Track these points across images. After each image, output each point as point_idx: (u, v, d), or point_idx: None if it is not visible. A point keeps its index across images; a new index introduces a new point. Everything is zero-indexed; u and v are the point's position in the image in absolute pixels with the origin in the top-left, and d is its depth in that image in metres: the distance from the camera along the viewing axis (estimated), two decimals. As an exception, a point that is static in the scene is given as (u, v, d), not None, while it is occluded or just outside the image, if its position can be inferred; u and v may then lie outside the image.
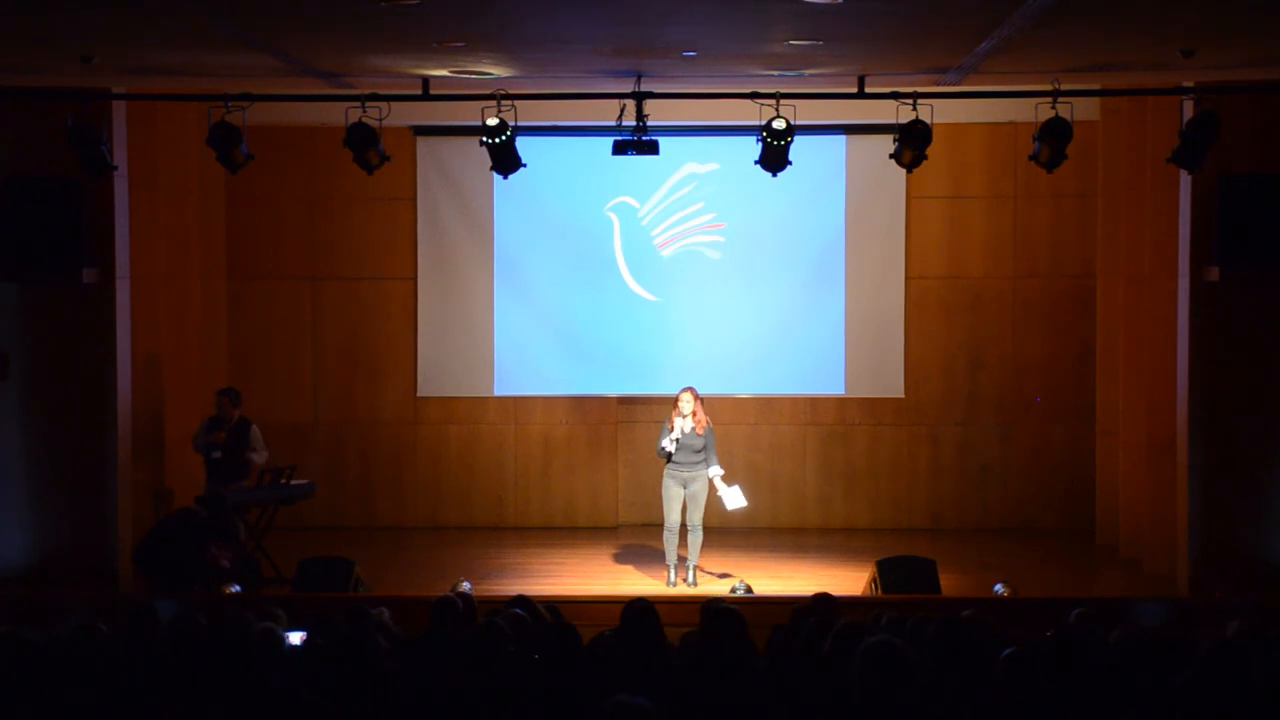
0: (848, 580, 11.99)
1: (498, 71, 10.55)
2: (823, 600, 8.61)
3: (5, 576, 11.57)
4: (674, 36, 9.37)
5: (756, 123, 10.77)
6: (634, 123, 10.90)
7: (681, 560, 12.05)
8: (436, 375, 14.83)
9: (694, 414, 11.73)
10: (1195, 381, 11.47)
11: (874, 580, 11.33)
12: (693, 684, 5.74)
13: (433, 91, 11.02)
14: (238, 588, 11.34)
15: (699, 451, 11.79)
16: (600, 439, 14.87)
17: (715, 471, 11.85)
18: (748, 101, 10.78)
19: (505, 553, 13.57)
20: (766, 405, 14.81)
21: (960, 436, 14.77)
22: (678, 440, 11.70)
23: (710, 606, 7.21)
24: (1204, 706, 5.29)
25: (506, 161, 10.96)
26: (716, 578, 12.15)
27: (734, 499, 11.92)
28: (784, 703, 5.51)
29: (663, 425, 11.94)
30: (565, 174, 14.47)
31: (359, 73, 10.62)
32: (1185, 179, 11.33)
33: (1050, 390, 14.67)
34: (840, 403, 14.78)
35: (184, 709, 5.63)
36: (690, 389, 11.81)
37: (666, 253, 14.63)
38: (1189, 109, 10.47)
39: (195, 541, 11.70)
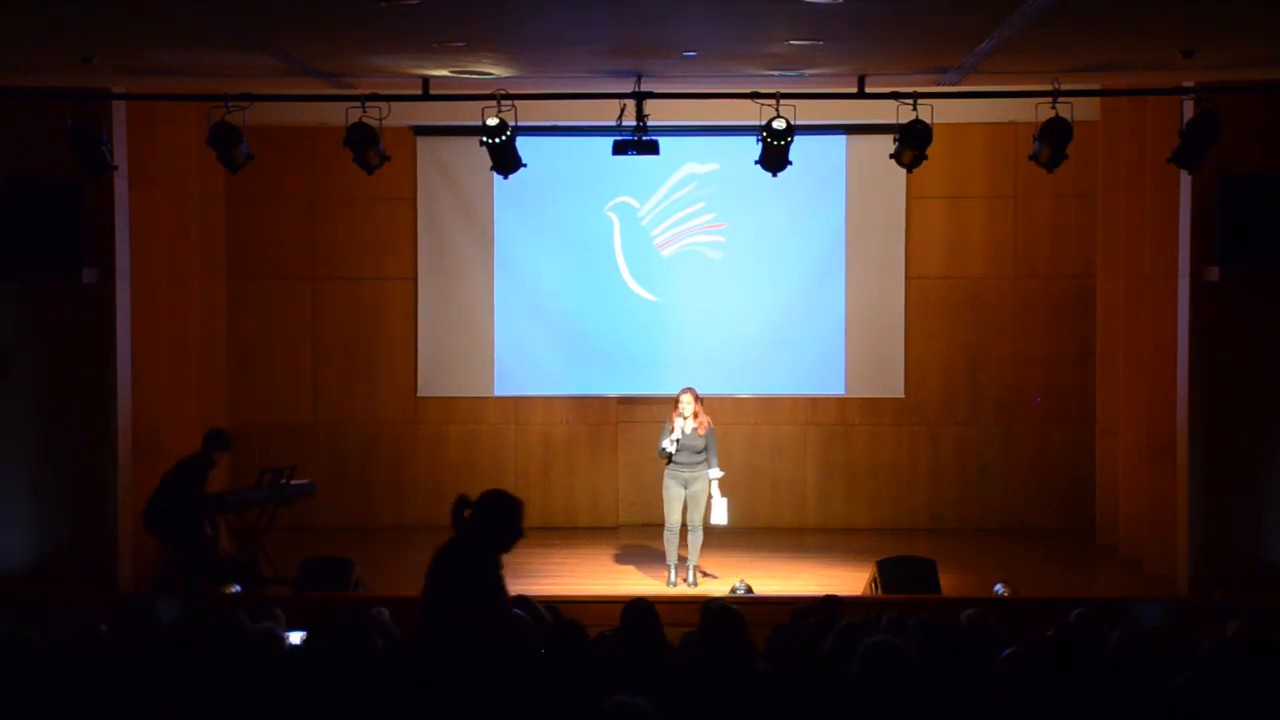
0: (848, 580, 11.98)
1: (498, 71, 10.55)
2: (829, 602, 8.61)
3: (6, 576, 11.57)
4: (674, 37, 9.37)
5: (756, 123, 10.78)
6: (634, 123, 10.90)
7: (682, 560, 12.05)
8: (436, 375, 14.83)
9: (695, 415, 11.73)
10: (1195, 381, 11.47)
11: (874, 580, 11.33)
12: (693, 684, 5.74)
13: (433, 91, 11.02)
14: (238, 588, 11.34)
15: (700, 452, 11.79)
16: (600, 439, 14.87)
17: (715, 474, 11.85)
18: (748, 101, 10.78)
19: (505, 553, 13.54)
20: (766, 405, 14.81)
21: (960, 436, 14.77)
22: (678, 441, 11.70)
23: (710, 606, 7.20)
24: (1204, 706, 5.28)
25: (506, 161, 10.96)
26: (716, 578, 12.15)
27: (720, 513, 11.90)
28: (784, 703, 5.51)
29: (663, 425, 11.93)
30: (565, 174, 14.47)
31: (359, 73, 10.62)
32: (1185, 179, 11.33)
33: (1050, 390, 14.67)
34: (840, 403, 14.79)
35: (184, 709, 5.62)
36: (690, 389, 11.80)
37: (666, 253, 14.63)
38: (1189, 109, 10.47)
39: (192, 511, 11.62)
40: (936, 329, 14.71)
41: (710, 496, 11.85)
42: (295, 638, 7.16)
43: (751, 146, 10.98)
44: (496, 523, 6.36)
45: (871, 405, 14.78)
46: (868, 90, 10.85)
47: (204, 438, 11.89)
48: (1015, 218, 14.68)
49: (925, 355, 14.72)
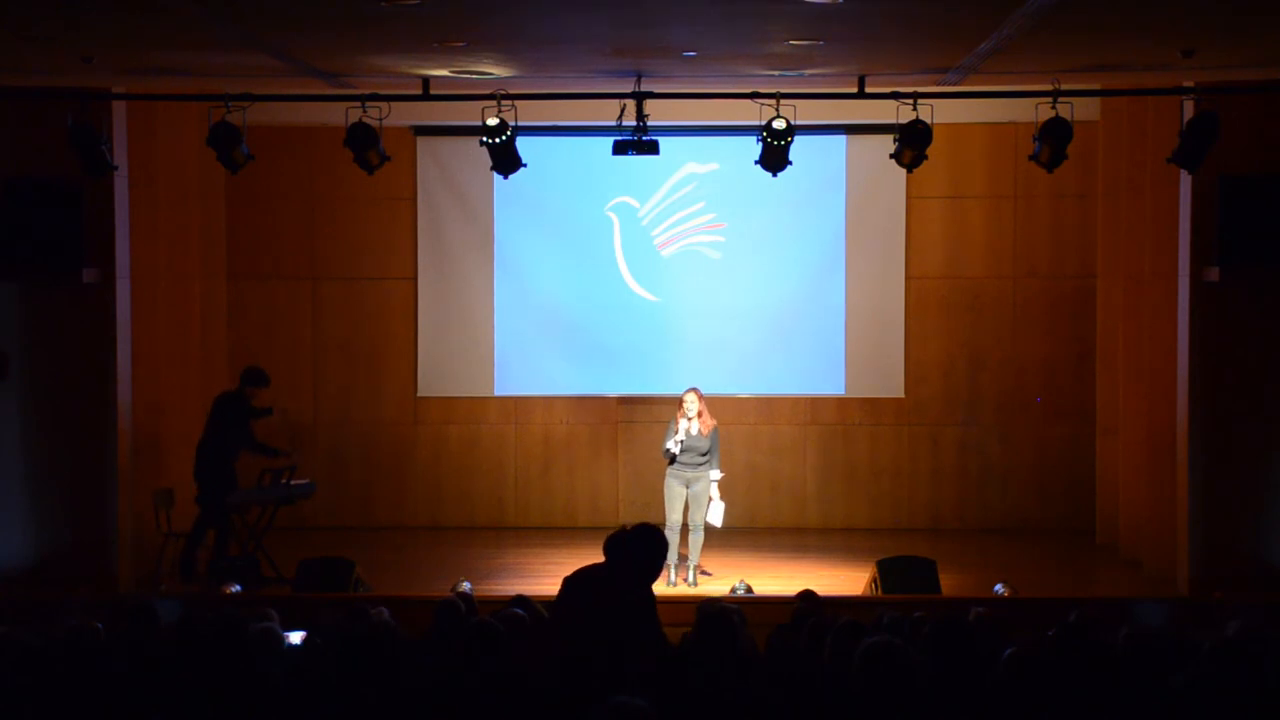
0: (848, 580, 11.99)
1: (498, 71, 10.55)
2: (807, 598, 8.65)
3: (5, 576, 11.57)
4: (674, 37, 9.37)
5: (756, 123, 10.78)
6: (634, 123, 10.91)
7: (682, 560, 12.05)
8: (436, 375, 14.83)
9: (699, 415, 11.74)
10: (1195, 381, 11.47)
11: (874, 580, 11.33)
12: (692, 684, 5.73)
13: (433, 91, 11.03)
14: (238, 588, 11.35)
15: (704, 454, 11.80)
16: (600, 439, 14.87)
17: (715, 475, 11.86)
18: (748, 101, 10.78)
19: (505, 553, 13.57)
20: (766, 405, 14.81)
21: (960, 436, 14.76)
22: (682, 441, 11.71)
23: (705, 607, 7.20)
24: (1204, 706, 5.28)
25: (506, 161, 10.97)
26: (716, 578, 12.15)
27: (715, 515, 11.92)
28: (784, 703, 5.51)
29: (668, 425, 11.94)
30: (565, 174, 14.47)
31: (359, 73, 10.62)
32: (1185, 179, 11.33)
33: (1050, 390, 14.67)
34: (840, 402, 14.78)
35: (184, 709, 5.63)
36: (694, 389, 11.81)
37: (666, 253, 14.63)
38: (1189, 109, 10.48)
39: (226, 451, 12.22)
40: (936, 329, 14.71)
41: (710, 498, 11.87)
42: (295, 638, 7.17)
43: (751, 146, 10.98)
44: (646, 554, 6.45)
45: (871, 405, 14.78)
46: (868, 90, 10.86)
47: (241, 375, 12.53)
48: (1015, 218, 14.67)
49: (925, 355, 14.71)
